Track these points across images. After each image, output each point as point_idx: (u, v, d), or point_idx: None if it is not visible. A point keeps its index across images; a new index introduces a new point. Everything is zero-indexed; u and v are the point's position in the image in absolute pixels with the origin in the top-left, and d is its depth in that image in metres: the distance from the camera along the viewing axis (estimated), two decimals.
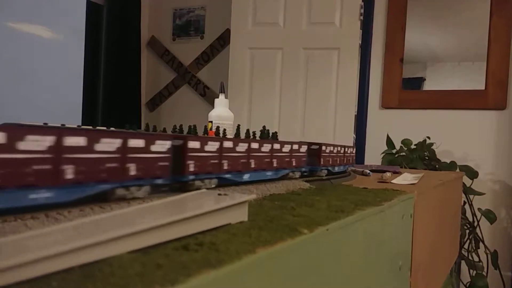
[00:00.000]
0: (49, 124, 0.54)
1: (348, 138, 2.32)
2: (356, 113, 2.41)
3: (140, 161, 0.42)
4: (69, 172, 0.35)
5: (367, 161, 2.42)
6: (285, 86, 2.44)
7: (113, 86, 2.78)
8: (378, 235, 0.58)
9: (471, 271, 2.01)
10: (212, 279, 0.25)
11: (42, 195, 0.33)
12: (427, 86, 2.43)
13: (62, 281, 0.23)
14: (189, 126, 0.79)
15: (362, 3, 2.34)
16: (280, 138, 0.74)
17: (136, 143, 0.41)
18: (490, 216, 2.00)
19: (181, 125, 0.76)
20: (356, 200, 0.58)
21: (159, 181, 0.45)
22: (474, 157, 2.25)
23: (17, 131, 0.30)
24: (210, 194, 0.43)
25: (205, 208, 0.35)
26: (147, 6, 3.06)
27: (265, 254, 0.31)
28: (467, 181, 2.00)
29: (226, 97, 1.27)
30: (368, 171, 1.11)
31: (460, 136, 2.28)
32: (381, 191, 0.71)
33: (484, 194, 2.05)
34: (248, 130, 0.75)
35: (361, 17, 2.35)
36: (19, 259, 0.22)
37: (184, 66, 3.00)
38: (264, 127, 0.79)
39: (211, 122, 1.21)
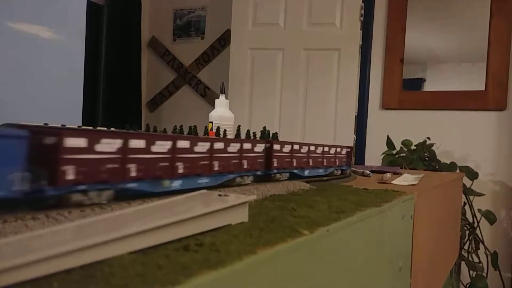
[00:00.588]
0: (50, 124, 0.54)
1: (348, 138, 2.32)
2: (356, 114, 2.41)
3: (249, 158, 0.60)
4: (216, 166, 0.53)
5: (367, 162, 2.42)
6: (286, 86, 2.44)
7: (113, 87, 2.78)
8: (379, 236, 0.58)
9: (471, 272, 2.00)
10: (212, 280, 0.25)
11: (203, 181, 0.51)
12: (427, 86, 2.43)
13: (63, 282, 0.23)
14: (190, 127, 0.79)
15: (363, 4, 2.34)
16: (281, 139, 0.74)
17: (247, 146, 0.59)
18: (490, 217, 2.00)
19: (181, 126, 0.76)
20: (356, 201, 0.58)
21: (258, 173, 0.63)
22: (474, 157, 2.25)
23: (194, 139, 0.49)
24: (211, 194, 0.43)
25: (206, 209, 0.35)
26: (147, 6, 3.06)
27: (266, 255, 0.31)
28: (467, 182, 1.99)
29: (226, 98, 1.27)
30: (368, 172, 1.11)
31: (460, 137, 2.28)
32: (381, 192, 0.70)
33: (484, 195, 2.05)
34: (248, 131, 0.75)
35: (362, 18, 2.35)
36: (20, 260, 0.22)
37: (184, 67, 3.00)
38: (264, 127, 0.79)
39: (212, 122, 1.21)
